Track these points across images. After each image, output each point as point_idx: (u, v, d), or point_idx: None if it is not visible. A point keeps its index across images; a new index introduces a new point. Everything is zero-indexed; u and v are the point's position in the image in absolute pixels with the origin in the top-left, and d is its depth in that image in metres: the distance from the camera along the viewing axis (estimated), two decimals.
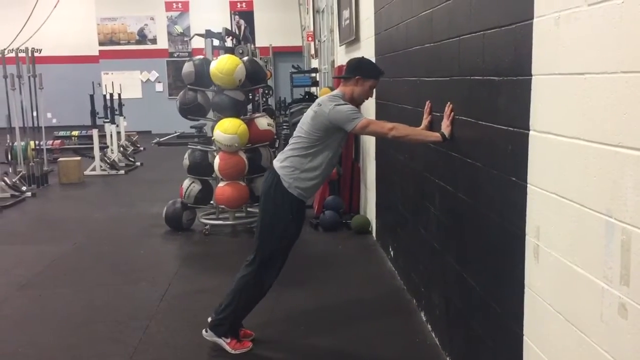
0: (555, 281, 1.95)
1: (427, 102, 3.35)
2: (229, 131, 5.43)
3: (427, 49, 3.42)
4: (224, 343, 3.34)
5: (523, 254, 2.17)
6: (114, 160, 10.30)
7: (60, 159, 9.53)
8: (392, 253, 4.79)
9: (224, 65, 5.46)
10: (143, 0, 17.20)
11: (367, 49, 5.49)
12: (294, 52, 16.14)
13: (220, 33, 6.67)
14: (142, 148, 12.36)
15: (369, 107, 5.13)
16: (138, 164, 10.95)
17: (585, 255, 1.75)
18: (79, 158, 9.72)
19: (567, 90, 1.81)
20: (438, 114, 3.17)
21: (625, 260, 1.54)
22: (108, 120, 10.64)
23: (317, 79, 10.60)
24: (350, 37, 6.33)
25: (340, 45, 7.51)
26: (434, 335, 3.49)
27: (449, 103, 3.00)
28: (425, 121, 3.33)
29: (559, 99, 1.87)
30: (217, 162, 5.61)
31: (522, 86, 2.12)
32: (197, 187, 5.90)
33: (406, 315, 3.86)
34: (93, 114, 9.97)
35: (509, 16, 2.24)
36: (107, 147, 10.65)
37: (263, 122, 5.93)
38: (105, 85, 11.61)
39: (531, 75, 2.06)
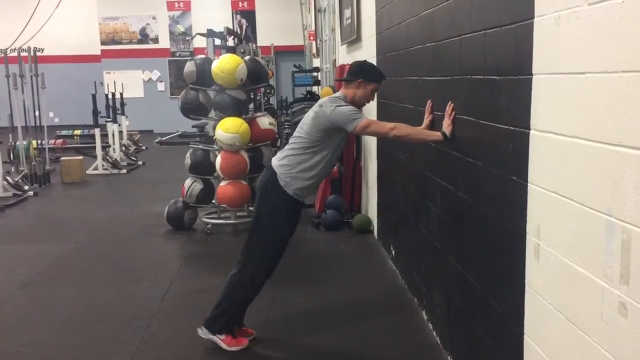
0: (555, 280, 1.95)
1: (428, 102, 3.35)
2: (231, 130, 5.44)
3: (428, 48, 3.42)
4: (219, 340, 3.33)
5: (524, 253, 2.17)
6: (116, 159, 10.32)
7: (63, 158, 9.53)
8: (393, 252, 4.79)
9: (225, 64, 5.47)
10: (145, 0, 17.23)
11: (368, 48, 5.49)
12: (296, 52, 16.13)
13: (221, 32, 6.67)
14: (144, 147, 12.36)
15: (371, 107, 5.12)
16: (140, 163, 10.98)
17: (585, 255, 1.75)
18: (81, 157, 9.71)
19: (568, 89, 1.81)
20: (439, 113, 3.18)
21: (626, 260, 1.55)
22: (110, 119, 10.67)
23: (319, 78, 10.59)
24: (352, 36, 6.32)
25: (341, 45, 7.50)
26: (435, 334, 3.49)
27: (450, 102, 3.00)
28: (426, 120, 3.33)
29: (559, 98, 1.88)
30: (218, 161, 5.61)
31: (522, 85, 2.12)
32: (198, 186, 5.91)
33: (407, 314, 3.86)
34: (95, 113, 9.98)
35: (510, 15, 2.24)
36: (109, 146, 10.67)
37: (265, 121, 5.94)
38: (107, 85, 11.62)
39: (532, 74, 2.06)
